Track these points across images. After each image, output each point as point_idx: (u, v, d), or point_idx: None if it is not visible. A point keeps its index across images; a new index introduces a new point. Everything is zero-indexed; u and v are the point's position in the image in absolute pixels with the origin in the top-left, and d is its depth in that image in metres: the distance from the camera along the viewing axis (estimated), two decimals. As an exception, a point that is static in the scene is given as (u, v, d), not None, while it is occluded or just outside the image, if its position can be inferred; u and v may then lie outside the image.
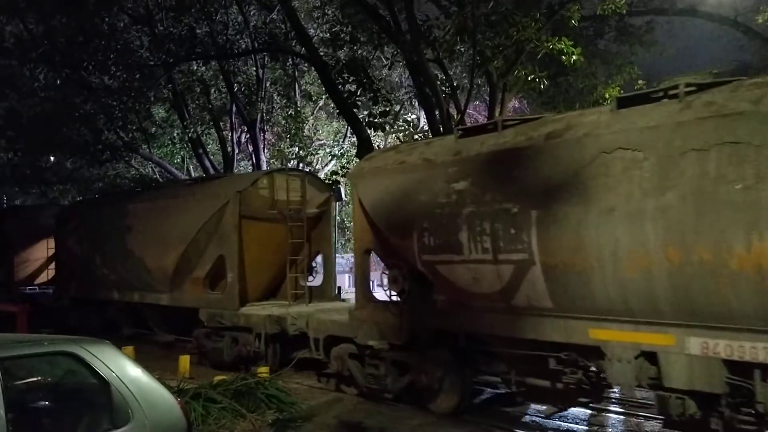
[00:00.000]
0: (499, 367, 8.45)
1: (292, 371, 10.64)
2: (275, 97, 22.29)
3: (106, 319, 16.24)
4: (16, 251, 19.78)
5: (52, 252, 19.01)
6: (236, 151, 22.79)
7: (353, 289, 11.81)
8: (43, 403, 4.24)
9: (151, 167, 24.94)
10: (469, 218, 7.72)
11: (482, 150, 7.94)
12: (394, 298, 9.17)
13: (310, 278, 13.22)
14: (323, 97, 22.53)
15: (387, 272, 9.25)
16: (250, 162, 22.68)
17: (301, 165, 21.32)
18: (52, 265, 19.07)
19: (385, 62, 18.18)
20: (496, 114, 15.82)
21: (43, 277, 19.94)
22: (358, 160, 15.68)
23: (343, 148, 23.73)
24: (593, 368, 7.31)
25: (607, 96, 15.97)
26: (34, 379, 4.33)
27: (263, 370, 9.74)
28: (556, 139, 7.17)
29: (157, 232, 13.60)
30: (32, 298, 18.57)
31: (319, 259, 13.88)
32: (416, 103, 20.45)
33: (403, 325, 8.87)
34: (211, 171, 20.88)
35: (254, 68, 21.28)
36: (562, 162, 7.02)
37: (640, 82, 16.79)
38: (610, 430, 8.60)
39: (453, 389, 8.63)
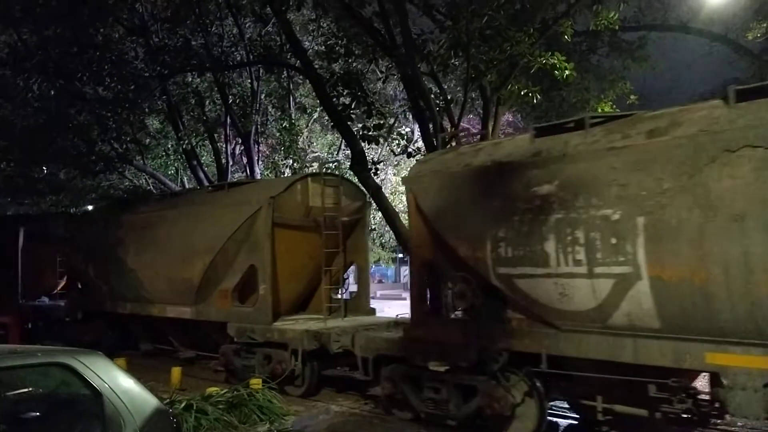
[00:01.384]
0: (583, 393, 7.65)
1: (331, 392, 10.62)
2: (270, 110, 22.31)
3: (122, 334, 15.65)
4: (24, 261, 18.93)
5: (62, 262, 18.27)
6: (230, 162, 22.77)
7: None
8: (35, 414, 4.21)
9: (145, 178, 24.88)
10: (557, 226, 6.95)
11: (568, 150, 7.17)
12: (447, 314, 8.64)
13: (342, 290, 12.67)
14: (318, 109, 22.60)
15: (451, 287, 8.47)
16: (244, 174, 22.67)
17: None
18: (63, 277, 18.35)
19: (380, 75, 18.26)
20: (489, 128, 15.90)
21: (52, 289, 19.08)
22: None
23: (337, 160, 23.76)
24: (705, 397, 6.66)
25: (599, 111, 16.09)
26: (27, 390, 4.32)
27: (255, 382, 9.70)
28: (661, 138, 6.51)
29: (181, 242, 12.94)
30: (41, 311, 17.97)
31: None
32: (410, 116, 20.51)
33: (470, 345, 8.02)
34: (206, 183, 20.85)
35: (249, 80, 21.33)
36: (673, 162, 6.32)
37: (632, 97, 16.93)
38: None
39: (528, 416, 7.88)
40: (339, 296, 12.38)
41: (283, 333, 10.89)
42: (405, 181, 9.38)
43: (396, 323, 10.75)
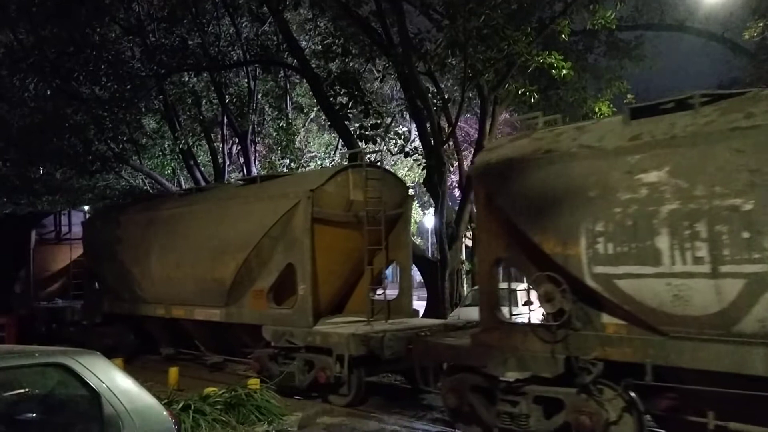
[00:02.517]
0: (690, 407, 6.68)
1: (378, 400, 9.88)
2: (267, 109, 22.30)
3: (143, 337, 14.81)
4: (37, 261, 17.92)
5: (77, 263, 17.49)
6: (227, 162, 22.77)
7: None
8: (32, 414, 4.19)
9: (142, 178, 24.86)
10: (670, 219, 6.08)
11: (677, 132, 6.29)
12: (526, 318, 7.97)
13: (379, 291, 11.71)
14: (315, 109, 22.60)
15: (534, 287, 7.57)
16: (241, 174, 22.66)
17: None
18: (77, 277, 17.50)
19: (377, 75, 18.27)
20: (487, 128, 15.92)
21: (65, 290, 18.14)
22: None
23: (334, 160, 23.77)
24: None
25: (596, 110, 16.13)
26: (24, 390, 4.29)
27: (253, 382, 9.67)
28: None
29: (210, 239, 12.03)
30: (55, 314, 17.10)
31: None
32: (407, 116, 20.53)
33: (556, 353, 7.08)
34: (202, 183, 20.83)
35: (246, 80, 21.32)
36: None
37: (629, 96, 16.96)
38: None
39: None
40: (381, 297, 11.47)
41: (326, 337, 9.98)
42: (471, 171, 8.27)
43: (451, 327, 9.89)
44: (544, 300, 7.15)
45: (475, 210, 8.84)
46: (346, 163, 14.58)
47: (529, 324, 7.69)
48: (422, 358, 8.71)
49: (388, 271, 16.15)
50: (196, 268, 12.25)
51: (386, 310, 11.00)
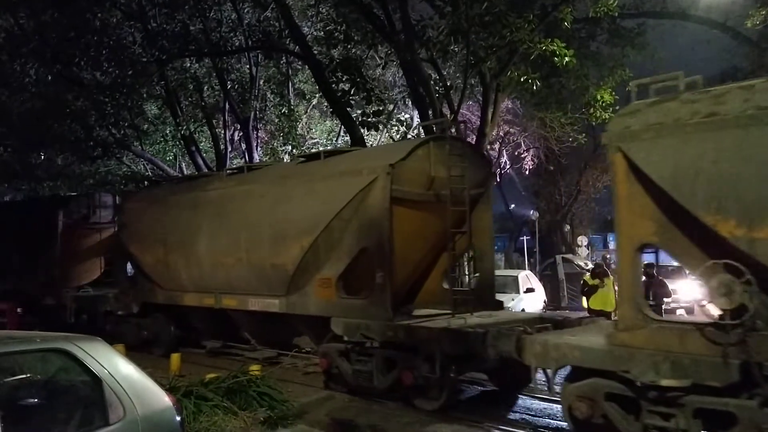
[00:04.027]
0: None
1: (471, 406, 9.05)
2: (268, 95, 22.27)
3: (184, 329, 13.80)
4: (64, 247, 16.86)
5: (107, 247, 16.67)
6: (229, 149, 22.76)
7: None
8: (34, 400, 4.22)
9: (143, 164, 24.87)
10: None
11: None
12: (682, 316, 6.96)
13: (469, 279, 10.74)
14: (317, 95, 22.55)
15: (702, 278, 6.40)
16: (243, 160, 22.66)
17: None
18: (108, 263, 16.70)
19: (379, 61, 18.24)
20: (489, 115, 15.90)
21: (96, 278, 17.29)
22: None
23: (336, 147, 23.74)
24: None
25: (598, 97, 16.08)
26: (26, 376, 4.32)
27: (255, 368, 9.72)
28: None
29: (269, 222, 10.88)
30: (86, 303, 15.90)
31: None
32: (409, 103, 20.50)
33: (730, 357, 5.95)
34: (204, 169, 20.84)
35: (248, 66, 21.27)
36: None
37: (631, 84, 16.87)
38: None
39: None
40: (464, 287, 10.46)
41: (412, 332, 8.76)
42: (609, 138, 6.96)
43: (552, 321, 9.00)
44: (719, 294, 5.99)
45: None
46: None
47: (692, 322, 6.61)
48: (540, 359, 7.43)
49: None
50: (253, 254, 11.15)
51: (468, 301, 9.66)
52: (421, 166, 9.70)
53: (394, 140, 21.26)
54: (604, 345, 6.83)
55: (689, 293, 21.32)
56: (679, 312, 20.60)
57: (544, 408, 9.30)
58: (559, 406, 8.28)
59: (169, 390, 7.42)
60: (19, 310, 16.19)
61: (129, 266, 15.03)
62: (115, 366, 4.19)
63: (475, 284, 10.76)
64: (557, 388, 7.70)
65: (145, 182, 20.18)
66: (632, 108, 7.06)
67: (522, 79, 14.65)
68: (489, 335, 7.95)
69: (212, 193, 12.53)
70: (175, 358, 11.09)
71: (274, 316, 11.07)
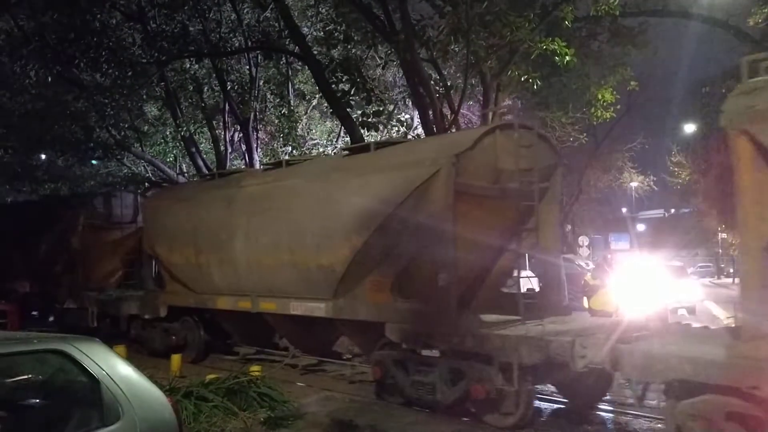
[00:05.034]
0: None
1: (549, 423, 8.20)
2: (268, 96, 22.26)
3: (215, 334, 13.14)
4: (85, 247, 16.24)
5: (129, 247, 16.15)
6: (229, 150, 22.76)
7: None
8: (32, 401, 4.20)
9: (144, 166, 24.88)
10: None
11: None
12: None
13: (509, 282, 9.95)
14: (317, 96, 22.52)
15: None
16: (243, 161, 22.65)
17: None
18: (130, 265, 16.28)
19: (379, 62, 18.19)
20: (489, 114, 15.88)
21: (118, 280, 16.68)
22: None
23: (336, 147, 23.72)
24: None
25: (599, 97, 16.06)
26: (23, 377, 4.30)
27: (255, 369, 9.69)
28: None
29: (315, 219, 9.99)
30: (109, 306, 15.18)
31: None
32: (410, 103, 20.46)
33: None
34: (204, 170, 20.82)
35: (247, 67, 21.27)
36: None
37: (632, 83, 16.87)
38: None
39: None
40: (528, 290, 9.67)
41: (484, 339, 7.90)
42: (730, 120, 6.03)
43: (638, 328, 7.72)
44: None
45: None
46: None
47: None
48: (642, 372, 6.60)
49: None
50: (296, 254, 10.22)
51: (533, 305, 8.79)
52: (486, 157, 8.70)
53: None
54: (724, 357, 6.00)
55: (692, 293, 21.33)
56: (680, 312, 20.59)
57: (629, 421, 8.46)
58: (647, 422, 7.94)
59: (169, 391, 7.42)
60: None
61: (154, 267, 14.34)
62: (113, 367, 4.15)
63: (541, 287, 10.02)
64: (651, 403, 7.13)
65: (146, 183, 20.17)
66: (752, 86, 6.13)
67: (522, 79, 14.65)
68: (577, 344, 7.13)
69: (248, 190, 11.60)
70: (176, 359, 11.07)
71: (315, 320, 10.33)
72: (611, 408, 8.91)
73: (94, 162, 21.55)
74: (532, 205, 8.86)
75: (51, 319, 16.94)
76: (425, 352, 8.55)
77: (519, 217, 8.95)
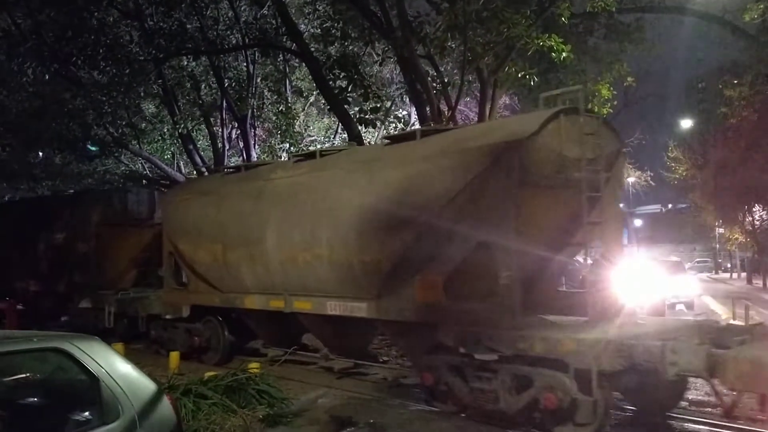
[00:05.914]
0: None
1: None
2: (266, 93, 22.25)
3: (241, 335, 12.59)
4: (100, 245, 15.70)
5: (146, 245, 15.66)
6: (227, 147, 22.75)
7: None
8: (31, 399, 4.22)
9: (141, 163, 24.87)
10: None
11: None
12: None
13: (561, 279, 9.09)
14: (314, 93, 22.53)
15: None
16: (240, 158, 22.65)
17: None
18: (146, 263, 15.74)
19: (376, 58, 18.20)
20: (486, 111, 15.91)
21: (135, 278, 16.09)
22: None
23: (333, 144, 23.73)
24: None
25: (596, 93, 16.09)
26: (23, 375, 4.32)
27: (254, 366, 9.72)
28: None
29: (355, 212, 9.18)
30: (128, 306, 14.54)
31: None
32: (407, 100, 20.47)
33: None
34: (202, 167, 20.82)
35: (245, 64, 21.24)
36: None
37: (629, 79, 16.89)
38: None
39: None
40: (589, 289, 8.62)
41: (555, 343, 7.17)
42: None
43: (718, 330, 7.44)
44: None
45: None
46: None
47: None
48: (748, 382, 6.06)
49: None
50: (336, 250, 9.43)
51: (590, 305, 7.87)
52: (551, 144, 7.86)
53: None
54: None
55: (690, 288, 21.38)
56: (678, 307, 20.64)
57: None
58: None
59: (168, 388, 7.46)
60: (19, 306, 15.97)
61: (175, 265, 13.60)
62: (113, 365, 4.18)
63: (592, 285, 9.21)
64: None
65: (143, 181, 20.10)
66: None
67: (519, 75, 14.66)
68: (667, 349, 6.47)
69: (280, 182, 10.81)
70: (174, 356, 11.10)
71: (352, 321, 9.67)
72: (691, 417, 8.13)
73: (92, 150, 21.30)
74: (598, 196, 8.01)
75: (64, 318, 16.55)
76: (480, 356, 7.85)
77: (592, 209, 8.11)
